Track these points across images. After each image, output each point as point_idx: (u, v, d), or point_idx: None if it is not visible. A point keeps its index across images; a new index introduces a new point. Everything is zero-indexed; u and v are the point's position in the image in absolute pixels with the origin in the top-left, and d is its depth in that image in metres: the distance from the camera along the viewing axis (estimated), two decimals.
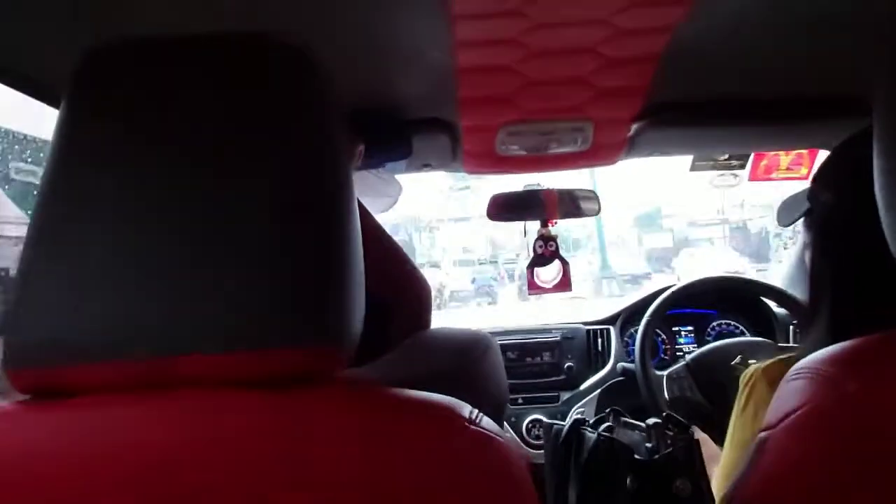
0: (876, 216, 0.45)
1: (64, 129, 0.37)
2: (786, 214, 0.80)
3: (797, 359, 0.60)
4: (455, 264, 16.19)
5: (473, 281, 14.04)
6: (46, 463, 0.32)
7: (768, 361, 0.73)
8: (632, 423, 0.64)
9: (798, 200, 0.75)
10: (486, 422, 0.38)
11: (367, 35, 0.69)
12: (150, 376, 0.35)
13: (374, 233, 0.57)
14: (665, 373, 1.46)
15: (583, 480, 0.61)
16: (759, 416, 0.72)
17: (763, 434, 0.43)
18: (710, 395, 1.36)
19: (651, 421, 0.62)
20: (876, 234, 0.45)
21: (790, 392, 0.43)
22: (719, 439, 1.24)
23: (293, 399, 0.35)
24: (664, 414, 0.64)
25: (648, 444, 0.58)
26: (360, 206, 0.61)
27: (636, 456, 0.56)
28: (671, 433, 0.58)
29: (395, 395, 0.38)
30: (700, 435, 1.26)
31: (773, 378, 0.70)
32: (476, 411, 0.38)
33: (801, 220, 0.76)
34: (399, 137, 0.93)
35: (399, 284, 0.58)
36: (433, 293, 0.59)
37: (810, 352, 0.47)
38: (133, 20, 0.61)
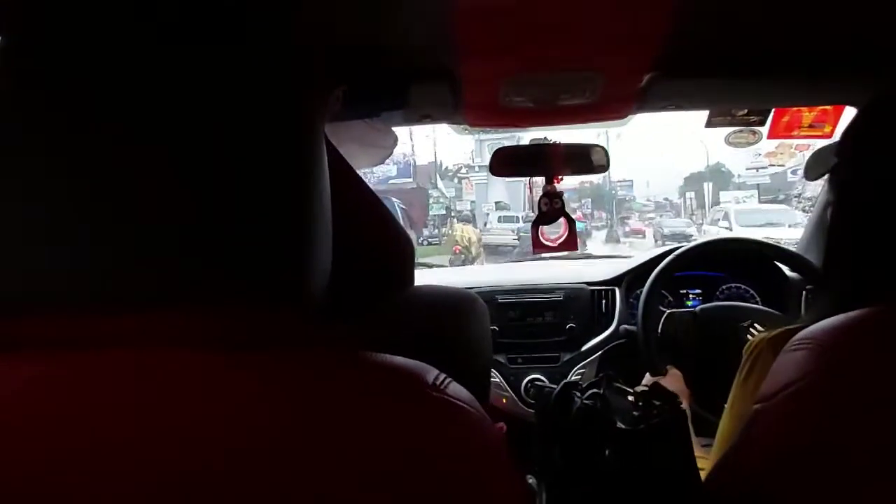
0: None
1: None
2: (813, 169, 0.75)
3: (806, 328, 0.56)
4: (500, 220, 20.01)
5: (519, 239, 16.38)
6: None
7: (776, 331, 0.69)
8: (623, 389, 0.61)
9: (827, 155, 0.70)
10: (453, 388, 0.35)
11: None
12: (91, 331, 0.32)
13: (355, 188, 0.54)
14: (668, 310, 1.44)
15: (566, 447, 0.59)
16: (760, 386, 0.69)
17: (758, 406, 0.42)
18: (707, 347, 1.34)
19: (639, 388, 0.59)
20: None
21: (789, 363, 0.41)
22: (695, 385, 1.25)
23: (241, 360, 0.32)
24: (652, 382, 0.61)
25: (636, 413, 0.55)
26: (343, 161, 0.57)
27: (619, 425, 0.54)
28: (658, 403, 0.56)
29: (356, 358, 0.35)
30: (674, 372, 1.27)
31: (778, 348, 0.67)
32: (442, 377, 0.35)
33: (827, 176, 0.72)
34: (394, 86, 0.87)
35: (382, 241, 0.55)
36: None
37: (820, 319, 0.44)
38: None
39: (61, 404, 0.30)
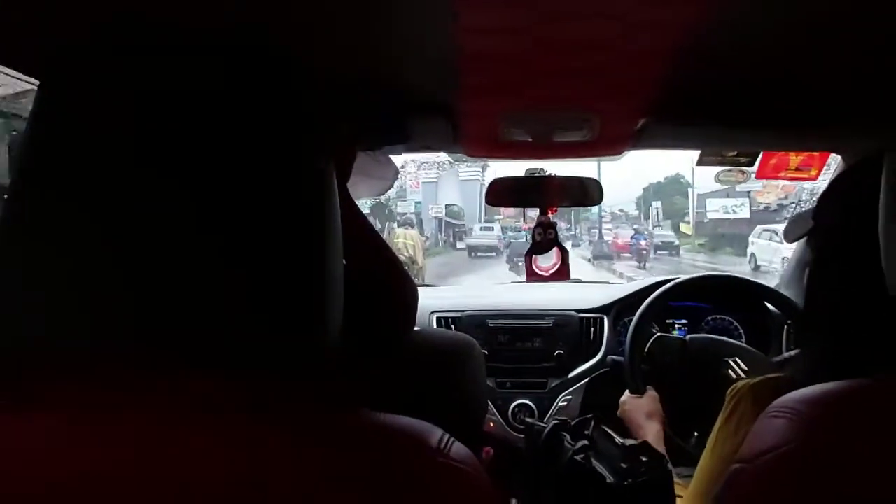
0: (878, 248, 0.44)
1: (36, 123, 0.35)
2: (792, 231, 0.78)
3: (785, 381, 0.59)
4: (481, 229, 22.07)
5: (508, 245, 18.73)
6: None
7: (758, 379, 0.72)
8: (610, 435, 0.63)
9: (806, 217, 0.74)
10: (456, 450, 0.37)
11: (366, 23, 0.66)
12: (113, 391, 0.33)
13: (363, 233, 0.55)
14: (658, 333, 1.46)
15: (556, 496, 0.61)
16: (740, 431, 0.72)
17: (738, 466, 0.44)
18: (690, 375, 1.37)
19: (628, 442, 0.61)
20: (877, 268, 0.44)
21: (769, 429, 0.43)
22: (670, 409, 1.28)
23: (252, 425, 0.33)
24: (640, 441, 0.64)
25: (623, 465, 0.57)
26: (354, 206, 0.59)
27: (608, 479, 0.56)
28: (645, 459, 0.58)
29: (363, 422, 0.37)
30: (651, 392, 1.30)
31: (759, 396, 0.70)
32: (446, 438, 0.37)
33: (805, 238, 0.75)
34: (396, 122, 0.89)
35: (386, 288, 0.57)
36: None
37: (800, 380, 0.46)
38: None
39: (80, 463, 0.31)
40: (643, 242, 21.47)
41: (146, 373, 0.33)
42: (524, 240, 18.03)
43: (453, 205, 24.53)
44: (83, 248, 0.33)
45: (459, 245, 22.73)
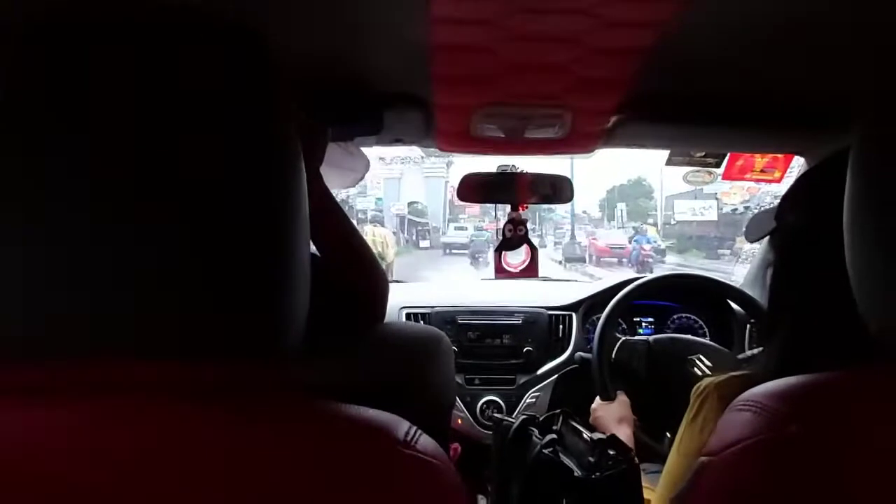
0: (841, 248, 0.44)
1: None
2: (754, 230, 0.80)
3: (749, 378, 0.60)
4: (455, 230, 22.84)
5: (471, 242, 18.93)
6: None
7: (722, 377, 0.73)
8: (579, 430, 0.63)
9: (767, 217, 0.75)
10: (423, 442, 0.36)
11: (338, 7, 0.65)
12: (67, 379, 0.32)
13: (339, 224, 0.54)
14: (623, 337, 1.48)
15: (523, 491, 0.61)
16: (705, 429, 0.73)
17: (704, 459, 0.44)
18: (656, 376, 1.39)
19: (596, 436, 0.61)
20: (839, 267, 0.44)
21: (734, 423, 0.44)
22: (642, 412, 1.30)
23: (215, 412, 0.32)
24: (608, 435, 0.64)
25: (591, 459, 0.57)
26: (327, 194, 0.57)
27: (576, 474, 0.55)
28: (612, 453, 0.58)
29: (328, 412, 0.36)
30: (622, 398, 1.32)
31: (724, 394, 0.71)
32: (413, 430, 0.36)
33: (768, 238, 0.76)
34: (369, 112, 0.88)
35: (359, 276, 0.56)
36: None
37: (764, 376, 0.47)
38: None
39: (57, 451, 0.30)
40: (647, 247, 17.35)
41: (97, 360, 0.32)
42: (484, 238, 18.82)
43: (417, 202, 23.72)
44: (34, 231, 0.31)
45: (423, 244, 22.17)
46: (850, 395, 0.40)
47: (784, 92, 0.94)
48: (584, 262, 19.29)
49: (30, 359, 0.32)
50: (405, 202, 22.91)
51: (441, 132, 1.06)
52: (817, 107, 0.97)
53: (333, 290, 0.46)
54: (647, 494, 0.78)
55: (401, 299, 1.66)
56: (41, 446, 0.30)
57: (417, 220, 23.61)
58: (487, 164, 1.31)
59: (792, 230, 0.63)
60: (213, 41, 0.34)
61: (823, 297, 0.53)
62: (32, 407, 0.31)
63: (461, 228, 23.21)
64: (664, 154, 1.28)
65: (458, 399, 1.56)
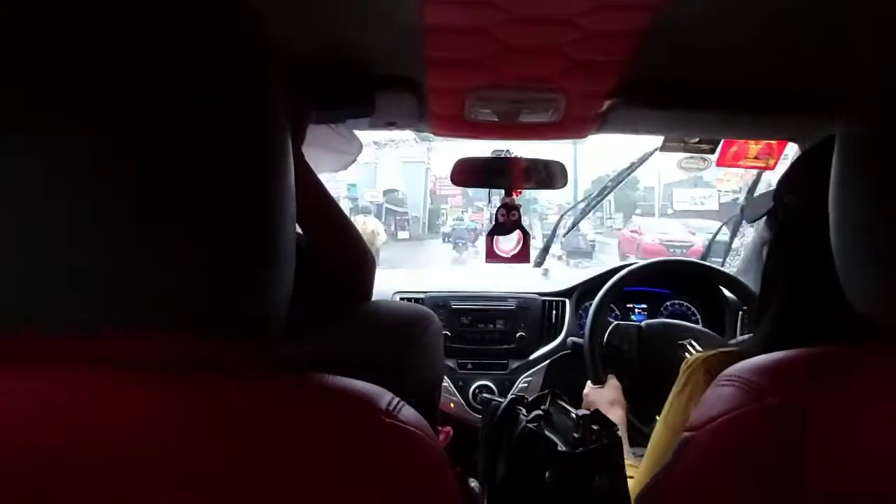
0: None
1: None
2: (752, 211, 0.80)
3: (738, 354, 0.60)
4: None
5: (452, 230, 18.82)
6: None
7: (711, 352, 0.74)
8: (566, 408, 0.64)
9: (766, 199, 0.75)
10: (405, 413, 0.36)
11: None
12: (44, 350, 0.32)
13: (322, 201, 0.54)
14: (615, 322, 1.49)
15: (509, 466, 0.62)
16: (691, 403, 0.74)
17: (687, 434, 0.45)
18: (648, 361, 1.40)
19: (581, 412, 0.62)
20: (829, 247, 0.45)
21: (716, 397, 0.44)
22: (633, 396, 1.31)
23: (198, 385, 0.32)
24: (592, 411, 0.65)
25: (576, 434, 0.58)
26: (311, 173, 0.57)
27: (560, 447, 0.56)
28: (597, 428, 0.59)
29: (312, 383, 0.36)
30: (613, 382, 1.33)
31: (711, 368, 0.72)
32: (396, 401, 0.36)
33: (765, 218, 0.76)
34: (360, 93, 0.88)
35: (345, 254, 0.56)
36: None
37: (752, 352, 0.47)
38: None
39: (32, 419, 0.30)
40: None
41: (79, 332, 0.32)
42: (465, 227, 18.83)
43: (395, 190, 21.76)
44: (12, 199, 0.31)
45: (401, 235, 19.92)
46: (830, 369, 0.41)
47: (778, 78, 0.94)
48: (591, 257, 16.60)
49: (7, 327, 0.32)
50: (380, 189, 20.87)
51: (434, 115, 1.05)
52: (811, 93, 0.97)
53: (318, 266, 0.47)
54: (632, 472, 0.79)
55: (395, 285, 1.67)
56: (15, 412, 0.30)
57: (396, 209, 21.71)
58: (471, 149, 1.29)
59: (788, 209, 0.64)
60: (204, 17, 0.33)
61: (813, 275, 0.53)
62: (7, 375, 0.31)
63: (459, 219, 23.01)
64: (653, 143, 1.28)
65: (450, 383, 1.57)
